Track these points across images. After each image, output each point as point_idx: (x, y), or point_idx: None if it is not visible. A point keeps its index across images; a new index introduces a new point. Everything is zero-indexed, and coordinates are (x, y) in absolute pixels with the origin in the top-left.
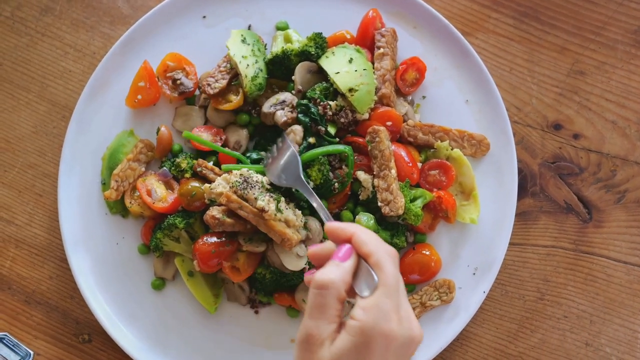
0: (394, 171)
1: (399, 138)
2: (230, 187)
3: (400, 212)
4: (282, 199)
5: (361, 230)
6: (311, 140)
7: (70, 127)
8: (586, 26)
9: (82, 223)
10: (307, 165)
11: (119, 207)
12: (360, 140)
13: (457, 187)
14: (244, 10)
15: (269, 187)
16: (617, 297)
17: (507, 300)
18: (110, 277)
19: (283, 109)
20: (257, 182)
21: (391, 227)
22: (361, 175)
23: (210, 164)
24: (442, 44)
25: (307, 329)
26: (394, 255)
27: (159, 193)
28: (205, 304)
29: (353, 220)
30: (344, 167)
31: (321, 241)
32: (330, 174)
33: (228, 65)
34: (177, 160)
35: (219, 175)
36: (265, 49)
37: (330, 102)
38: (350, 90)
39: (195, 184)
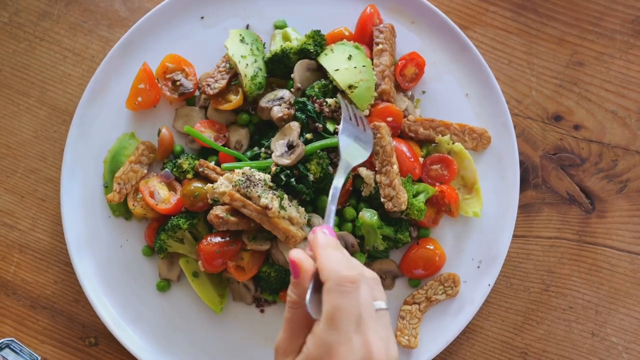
0: (396, 167)
1: (400, 133)
2: (233, 186)
3: (403, 207)
4: (285, 196)
5: (324, 255)
6: (308, 136)
7: (71, 131)
8: (584, 17)
9: (85, 226)
10: (305, 159)
11: (122, 210)
12: None
13: (459, 181)
14: (242, 10)
15: (271, 184)
16: (621, 287)
17: (512, 292)
18: (115, 279)
19: (280, 105)
20: (259, 180)
21: (395, 223)
22: (363, 171)
23: (212, 164)
24: (440, 38)
25: (277, 343)
26: (348, 284)
27: (161, 194)
28: (210, 304)
29: (356, 217)
30: None
31: None
32: (330, 168)
33: (227, 65)
34: (179, 161)
35: (221, 175)
36: (264, 48)
37: (328, 100)
38: (350, 87)
39: (198, 184)
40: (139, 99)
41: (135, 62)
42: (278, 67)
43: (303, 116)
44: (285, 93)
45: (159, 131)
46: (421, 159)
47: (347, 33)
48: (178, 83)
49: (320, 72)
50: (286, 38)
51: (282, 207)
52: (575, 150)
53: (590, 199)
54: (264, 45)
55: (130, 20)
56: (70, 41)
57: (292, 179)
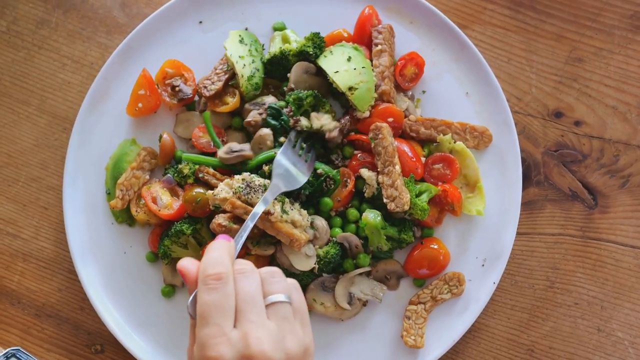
0: (398, 167)
1: (401, 134)
2: (233, 193)
3: (406, 207)
4: (287, 200)
5: (203, 258)
6: (282, 139)
7: (72, 138)
8: (582, 13)
9: (88, 234)
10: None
11: (125, 216)
12: (363, 137)
13: (461, 179)
14: (240, 14)
15: None
16: (626, 282)
17: (517, 290)
18: (120, 286)
19: (260, 111)
20: (259, 185)
21: (398, 223)
22: (365, 172)
23: (212, 169)
24: (439, 37)
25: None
26: (212, 281)
27: (164, 200)
28: None
29: (359, 218)
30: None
31: (329, 241)
32: (320, 170)
33: (224, 67)
34: (180, 166)
35: (221, 181)
36: (263, 49)
37: (302, 119)
38: (350, 88)
39: (200, 189)
40: (140, 105)
41: (135, 68)
42: (277, 69)
43: (276, 123)
44: (270, 99)
45: (160, 137)
46: (423, 159)
47: (345, 34)
48: (177, 89)
49: (319, 75)
50: (285, 40)
51: (284, 211)
52: (576, 146)
53: (592, 194)
54: (263, 47)
55: (129, 27)
56: (69, 48)
57: None
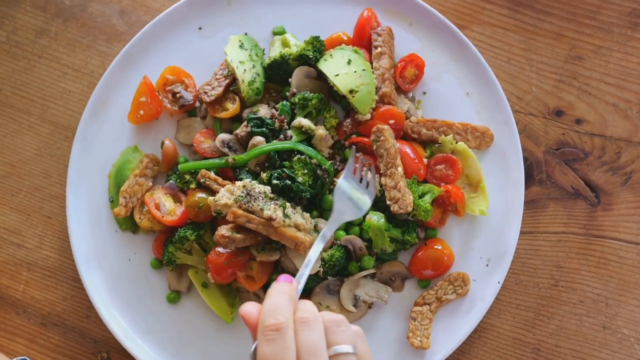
0: (400, 169)
1: (403, 135)
2: (234, 201)
3: (410, 209)
4: (288, 204)
5: (264, 304)
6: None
7: (74, 147)
8: (580, 11)
9: (92, 242)
10: (282, 162)
11: (128, 224)
12: (365, 140)
13: (464, 180)
14: (239, 19)
15: (272, 195)
16: (630, 279)
17: (522, 289)
18: (125, 293)
19: (244, 124)
20: (259, 193)
21: (402, 225)
22: (368, 175)
23: (213, 174)
24: (438, 38)
25: None
26: (269, 332)
27: (167, 206)
28: (221, 314)
29: (363, 220)
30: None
31: (333, 244)
32: (319, 171)
33: (225, 72)
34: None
35: (223, 186)
36: (264, 54)
37: (301, 120)
38: (351, 91)
39: (202, 194)
40: (141, 112)
41: (135, 76)
42: (277, 73)
43: (262, 129)
44: (264, 111)
45: (162, 143)
46: (425, 160)
47: (345, 37)
48: (178, 95)
49: (320, 80)
50: (285, 44)
51: (286, 215)
52: (578, 144)
53: (595, 192)
54: (263, 51)
55: (129, 34)
56: (69, 57)
57: (287, 181)
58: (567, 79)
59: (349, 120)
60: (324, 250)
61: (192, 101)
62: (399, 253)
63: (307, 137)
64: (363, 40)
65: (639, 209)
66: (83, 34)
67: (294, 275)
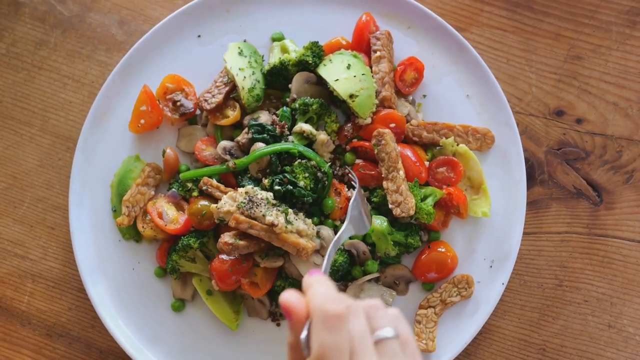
0: (402, 172)
1: (404, 139)
2: (237, 208)
3: (412, 212)
4: (290, 210)
5: (311, 293)
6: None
7: (76, 157)
8: (579, 11)
9: (96, 252)
10: (284, 167)
11: (131, 233)
12: (366, 144)
13: (466, 182)
14: (238, 26)
15: (274, 202)
16: (635, 277)
17: (526, 289)
18: (130, 302)
19: (245, 131)
20: (262, 199)
21: (405, 228)
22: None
23: (215, 181)
24: (437, 41)
25: None
26: (334, 320)
27: (170, 215)
28: (226, 322)
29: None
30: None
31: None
32: (319, 174)
33: (225, 79)
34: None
35: (225, 193)
36: (263, 60)
37: (303, 125)
38: (351, 96)
39: (205, 202)
40: (142, 121)
41: (135, 85)
42: (277, 79)
43: (265, 136)
44: (265, 118)
45: (164, 152)
46: (427, 163)
47: (344, 42)
48: (178, 103)
49: (320, 85)
50: (284, 50)
51: (288, 221)
52: (579, 144)
53: (597, 191)
54: (262, 58)
55: (128, 44)
56: (69, 68)
57: (288, 186)
58: (567, 78)
59: (349, 124)
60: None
61: (192, 109)
62: (402, 256)
63: (309, 143)
64: (362, 44)
65: None
66: (82, 44)
67: (298, 281)
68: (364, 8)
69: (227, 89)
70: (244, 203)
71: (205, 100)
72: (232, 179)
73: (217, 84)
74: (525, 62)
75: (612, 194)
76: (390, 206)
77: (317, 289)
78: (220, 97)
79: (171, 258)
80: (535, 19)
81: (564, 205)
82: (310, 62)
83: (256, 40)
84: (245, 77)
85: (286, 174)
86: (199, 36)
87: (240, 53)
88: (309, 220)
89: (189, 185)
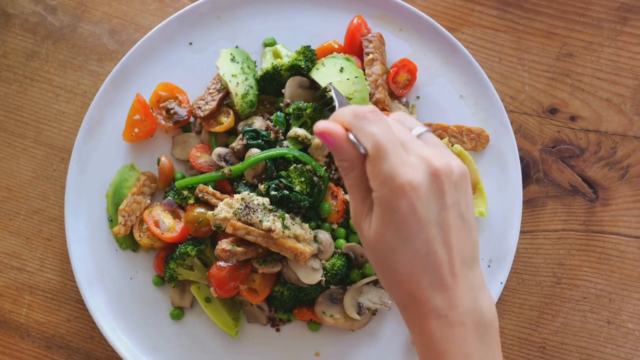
0: None
1: None
2: (233, 214)
3: None
4: (287, 215)
5: (338, 113)
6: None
7: (71, 168)
8: (569, 8)
9: (93, 262)
10: (279, 172)
11: (128, 242)
12: None
13: None
14: (229, 32)
15: (271, 207)
16: (633, 273)
17: (525, 288)
18: (129, 312)
19: (240, 137)
20: (258, 205)
21: None
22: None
23: (211, 188)
24: (429, 42)
25: (352, 211)
26: (369, 114)
27: (166, 223)
28: (226, 329)
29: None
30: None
31: (334, 252)
32: (315, 178)
33: (217, 86)
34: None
35: (221, 200)
36: (255, 66)
37: (297, 130)
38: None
39: (201, 209)
40: (136, 130)
41: (128, 94)
42: (270, 85)
43: (259, 141)
44: (259, 123)
45: (158, 160)
46: None
47: (336, 45)
48: (172, 111)
49: (313, 89)
50: (277, 55)
51: (285, 226)
52: (573, 141)
53: (593, 188)
54: (254, 63)
55: (120, 53)
56: (61, 79)
57: (284, 191)
58: (560, 76)
59: None
60: (326, 260)
61: (186, 117)
62: None
63: (304, 147)
64: (354, 47)
65: (637, 203)
66: (74, 54)
67: (297, 286)
68: (355, 11)
69: (220, 95)
70: (241, 209)
71: (199, 108)
72: (228, 185)
73: (210, 90)
74: (517, 61)
75: (608, 190)
76: None
77: (341, 110)
78: (213, 104)
79: (169, 266)
80: (527, 17)
81: (560, 203)
82: (302, 66)
83: (248, 46)
84: (238, 84)
85: (282, 179)
86: (191, 43)
87: (233, 59)
88: (306, 225)
89: (185, 193)
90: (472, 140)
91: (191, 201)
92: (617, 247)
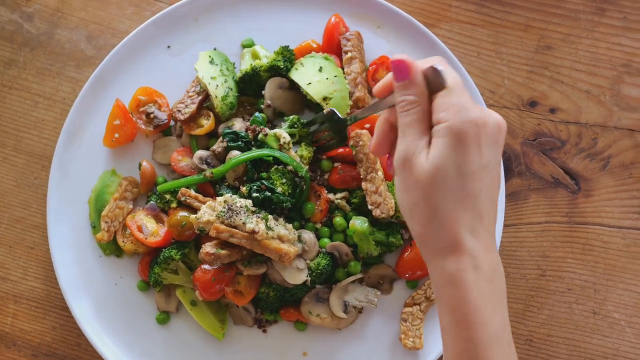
0: (380, 173)
1: None
2: (216, 217)
3: (391, 212)
4: (270, 216)
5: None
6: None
7: (52, 175)
8: (547, 1)
9: (78, 269)
10: (259, 174)
11: (112, 248)
12: (340, 150)
13: None
14: (208, 35)
15: (254, 209)
16: (617, 263)
17: (510, 281)
18: (114, 318)
19: (220, 140)
20: (241, 207)
21: (386, 227)
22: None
23: (193, 191)
24: (407, 39)
25: (402, 149)
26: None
27: (149, 228)
28: (212, 331)
29: (347, 226)
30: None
31: (319, 252)
32: (296, 179)
33: (197, 89)
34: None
35: (203, 203)
36: (234, 68)
37: (263, 128)
38: (325, 98)
39: (184, 213)
40: (116, 135)
41: (108, 99)
42: (249, 86)
43: (239, 143)
44: (239, 125)
45: (140, 165)
46: None
47: (315, 45)
48: (152, 115)
49: (293, 89)
50: (255, 56)
51: (268, 227)
52: (554, 133)
53: (575, 179)
54: (233, 65)
55: (97, 58)
56: (39, 86)
57: (266, 192)
58: (539, 69)
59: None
60: (311, 259)
61: (166, 120)
62: (385, 256)
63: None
64: (332, 46)
65: (619, 193)
66: (52, 61)
67: (282, 287)
68: (332, 10)
69: (200, 98)
70: (224, 212)
71: (179, 111)
72: (210, 188)
73: (190, 93)
74: (496, 54)
75: (590, 181)
76: (369, 207)
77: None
78: (193, 107)
79: (153, 271)
80: (504, 11)
81: (543, 195)
82: (281, 67)
83: (226, 48)
84: (217, 86)
85: (263, 181)
86: (169, 47)
87: (211, 62)
88: (290, 225)
89: (167, 197)
90: None
91: (174, 205)
92: (601, 237)
